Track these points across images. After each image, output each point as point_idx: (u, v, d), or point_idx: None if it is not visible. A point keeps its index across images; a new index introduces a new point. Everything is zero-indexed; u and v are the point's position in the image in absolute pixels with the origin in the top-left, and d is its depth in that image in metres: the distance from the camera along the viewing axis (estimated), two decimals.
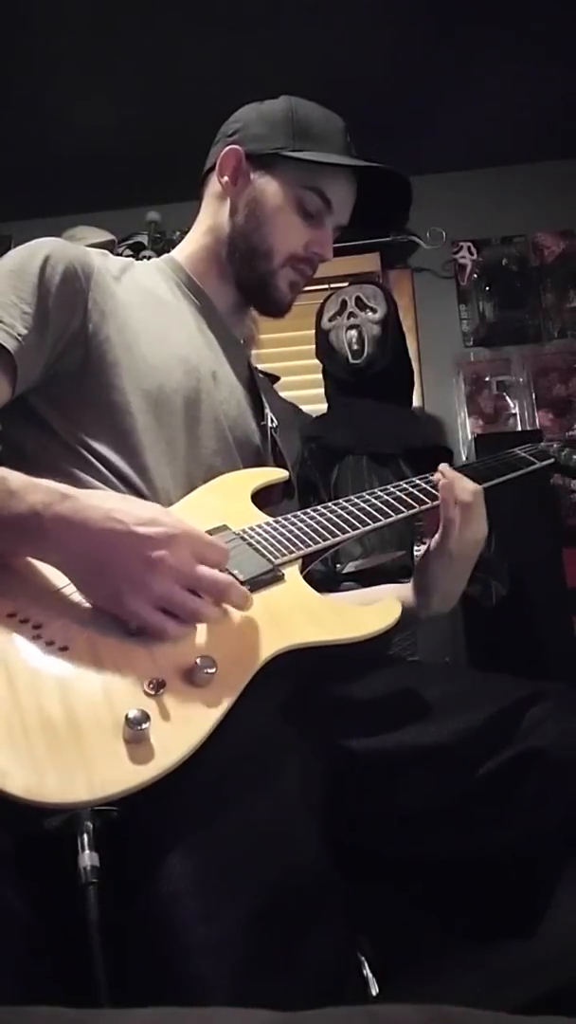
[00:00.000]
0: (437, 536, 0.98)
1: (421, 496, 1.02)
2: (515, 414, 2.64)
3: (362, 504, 1.01)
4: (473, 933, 0.86)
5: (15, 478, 0.77)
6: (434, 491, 1.01)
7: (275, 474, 1.10)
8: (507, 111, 2.45)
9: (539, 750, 0.84)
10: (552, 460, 1.16)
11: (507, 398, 2.66)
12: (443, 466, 1.02)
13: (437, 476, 1.01)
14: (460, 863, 0.87)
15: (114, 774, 0.63)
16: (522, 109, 2.45)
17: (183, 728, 0.67)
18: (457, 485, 0.98)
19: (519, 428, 2.62)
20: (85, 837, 0.59)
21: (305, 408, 1.50)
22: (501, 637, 1.97)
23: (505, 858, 0.86)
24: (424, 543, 1.00)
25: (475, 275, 2.73)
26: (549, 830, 0.85)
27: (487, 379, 2.67)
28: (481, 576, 1.85)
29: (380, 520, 0.99)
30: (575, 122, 2.51)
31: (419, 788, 0.86)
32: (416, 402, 2.50)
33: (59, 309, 0.96)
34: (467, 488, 0.98)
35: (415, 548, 1.87)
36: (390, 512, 1.00)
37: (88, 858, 0.59)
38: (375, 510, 1.00)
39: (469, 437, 2.58)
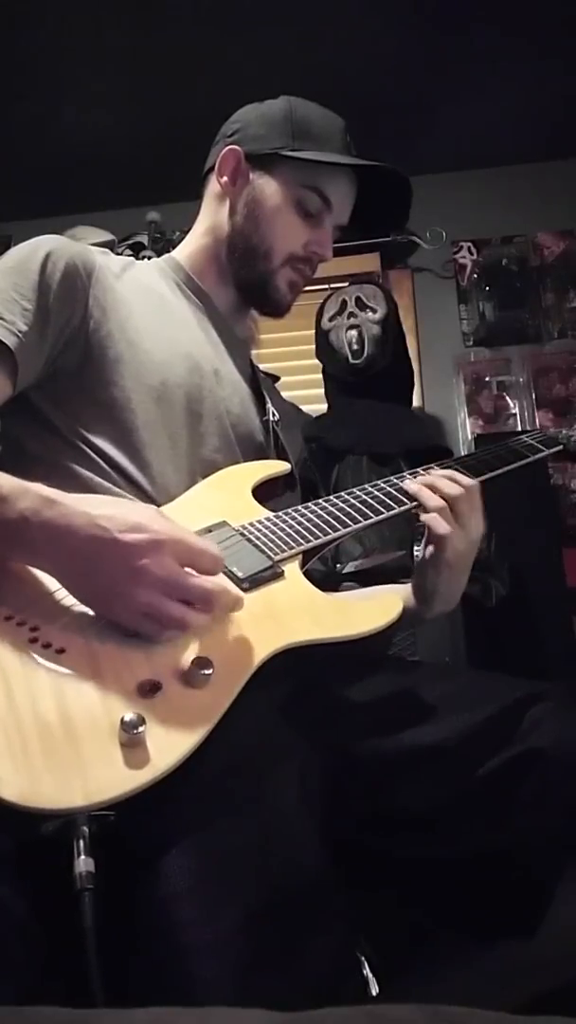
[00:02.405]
0: (430, 548, 0.95)
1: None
2: (515, 414, 2.64)
3: (364, 497, 1.00)
4: (473, 933, 0.86)
5: (5, 483, 0.76)
6: None
7: (276, 467, 1.09)
8: (507, 111, 2.45)
9: (539, 750, 0.84)
10: (561, 446, 1.15)
11: (507, 398, 2.66)
12: (407, 481, 0.98)
13: (413, 483, 0.98)
14: (460, 863, 0.87)
15: (110, 778, 0.62)
16: (522, 109, 2.45)
17: (179, 731, 0.67)
18: (426, 492, 0.95)
19: (519, 428, 2.62)
20: (81, 843, 0.59)
21: (305, 408, 1.49)
22: (501, 637, 1.97)
23: (505, 858, 0.86)
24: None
25: (475, 275, 2.73)
26: (549, 830, 0.85)
27: (487, 379, 2.67)
28: (481, 576, 1.85)
29: (383, 512, 0.97)
30: (575, 122, 2.51)
31: (419, 788, 0.86)
32: (416, 402, 2.50)
33: (60, 306, 0.95)
34: (444, 490, 0.95)
35: (415, 548, 1.87)
36: (393, 504, 0.98)
37: (83, 864, 0.58)
38: (377, 502, 0.98)
39: (469, 437, 2.58)
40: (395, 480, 1.02)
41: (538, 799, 0.84)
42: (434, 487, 0.96)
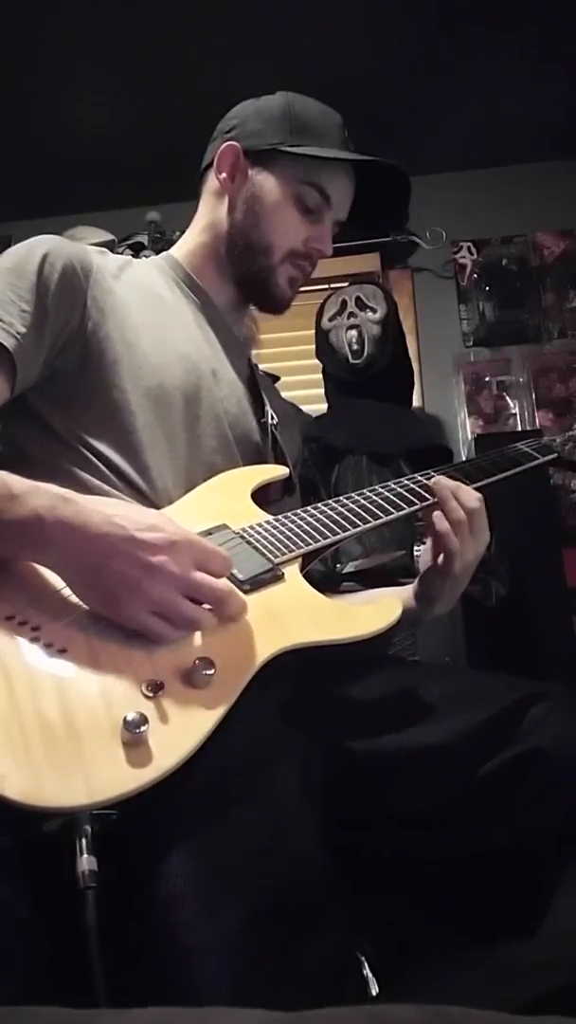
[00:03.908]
0: (440, 561, 0.96)
1: (423, 492, 1.01)
2: (515, 414, 2.64)
3: (363, 501, 1.00)
4: (473, 933, 0.86)
5: (17, 482, 0.76)
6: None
7: (275, 471, 1.09)
8: (507, 111, 2.45)
9: (539, 750, 0.84)
10: (556, 455, 1.15)
11: (507, 398, 2.65)
12: (437, 479, 0.99)
13: (432, 482, 0.98)
14: (460, 863, 0.87)
15: (112, 777, 0.62)
16: (522, 109, 2.44)
17: (181, 730, 0.67)
18: (453, 503, 0.95)
19: (519, 428, 2.62)
20: (83, 841, 0.59)
21: (305, 408, 1.49)
22: (501, 637, 1.97)
23: (505, 858, 0.86)
24: (424, 543, 0.99)
25: (475, 275, 2.73)
26: (549, 830, 0.85)
27: (487, 379, 2.67)
28: (481, 576, 1.85)
29: (381, 517, 0.97)
30: (575, 122, 2.51)
31: (419, 788, 0.86)
32: (416, 402, 2.50)
33: (58, 307, 0.95)
34: (465, 504, 0.95)
35: (415, 548, 1.87)
36: (391, 509, 0.98)
37: (86, 862, 0.58)
38: (376, 507, 0.99)
39: (469, 437, 2.58)
40: (393, 484, 1.03)
41: (539, 799, 0.84)
42: (457, 498, 0.96)
